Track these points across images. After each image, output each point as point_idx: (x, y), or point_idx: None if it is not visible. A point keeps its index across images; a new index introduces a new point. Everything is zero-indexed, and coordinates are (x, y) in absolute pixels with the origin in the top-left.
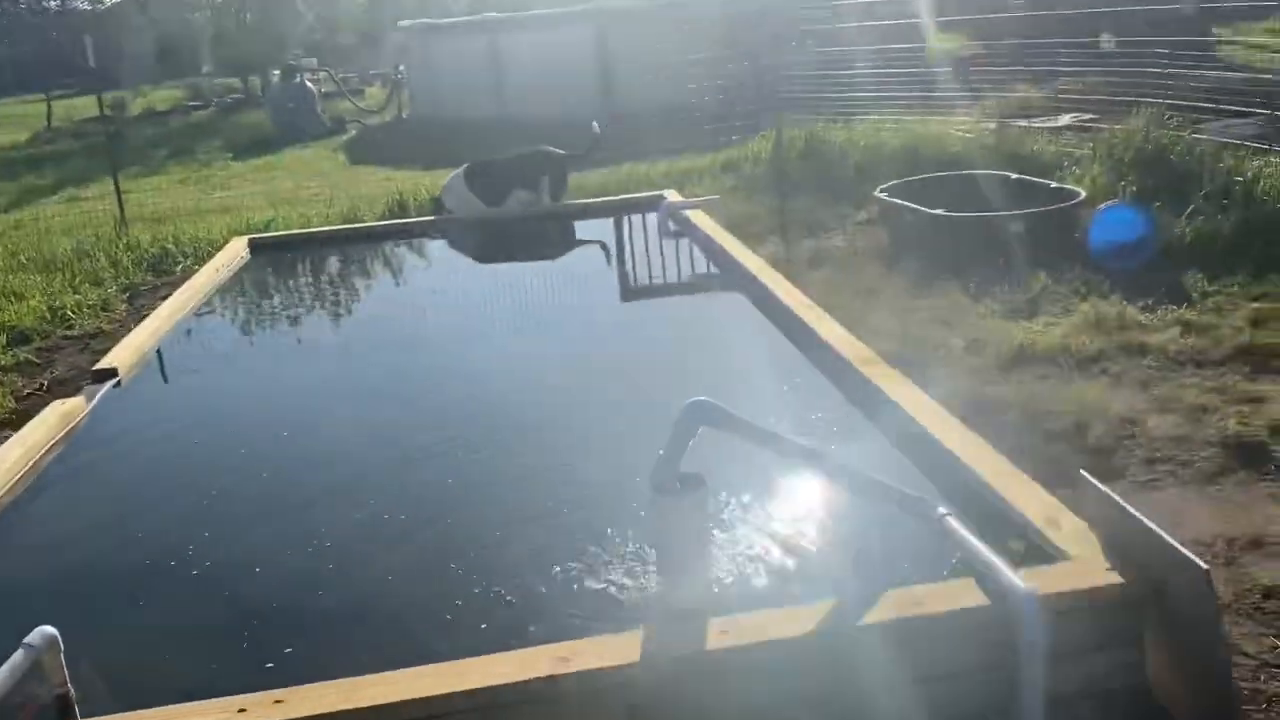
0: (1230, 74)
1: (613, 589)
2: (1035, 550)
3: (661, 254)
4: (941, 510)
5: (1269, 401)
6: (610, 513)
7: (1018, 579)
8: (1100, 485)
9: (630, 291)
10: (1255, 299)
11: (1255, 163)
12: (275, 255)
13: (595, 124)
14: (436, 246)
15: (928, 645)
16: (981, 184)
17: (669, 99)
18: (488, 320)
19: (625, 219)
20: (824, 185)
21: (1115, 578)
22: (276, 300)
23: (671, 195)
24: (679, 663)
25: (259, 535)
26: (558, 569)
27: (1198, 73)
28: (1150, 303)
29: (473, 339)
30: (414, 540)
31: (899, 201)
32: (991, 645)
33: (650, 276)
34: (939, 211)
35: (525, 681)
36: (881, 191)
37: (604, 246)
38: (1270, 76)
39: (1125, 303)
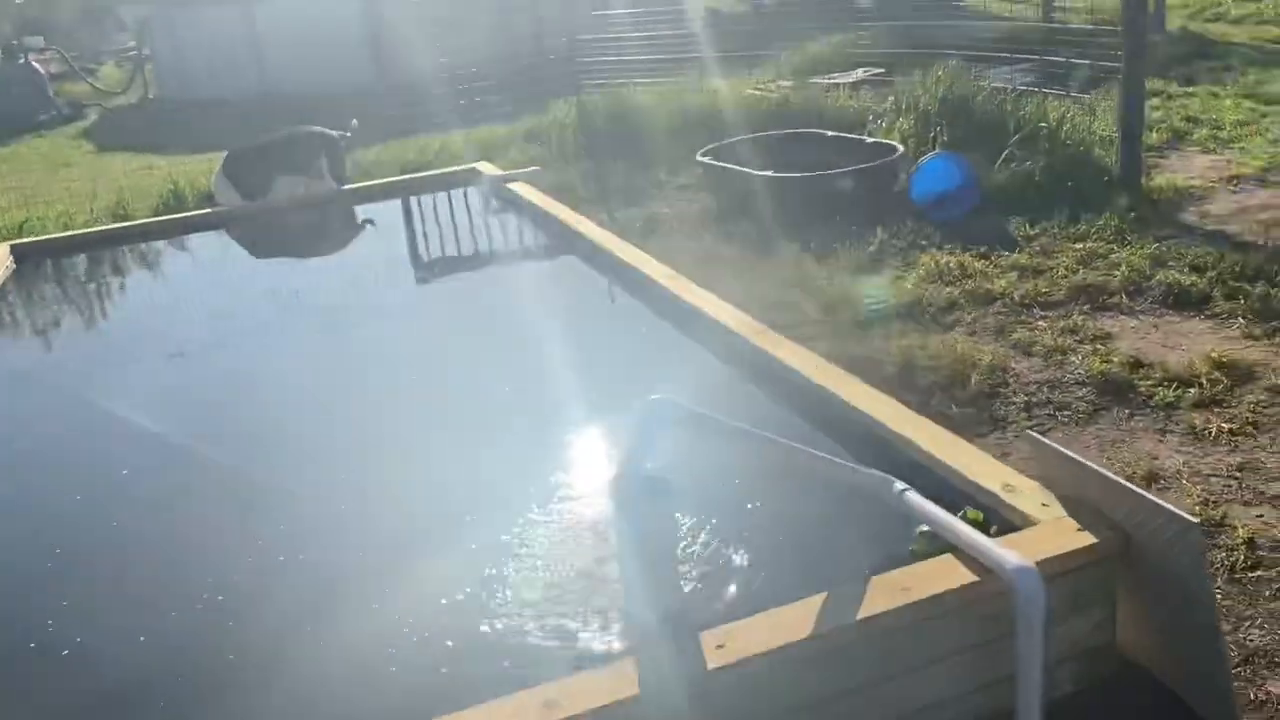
0: (979, 23)
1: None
2: (995, 516)
3: (488, 232)
4: (899, 486)
5: (1117, 338)
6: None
7: (1007, 553)
8: (1055, 445)
9: (460, 274)
10: (1075, 240)
11: (1057, 107)
12: (46, 261)
13: (354, 121)
14: (227, 241)
15: (920, 631)
16: (799, 143)
17: (450, 65)
18: (295, 319)
19: (437, 197)
20: (634, 152)
21: (1087, 538)
22: (55, 311)
23: (486, 168)
24: (680, 685)
25: None
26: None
27: (949, 24)
28: (984, 250)
29: (288, 338)
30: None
31: (725, 165)
32: (982, 621)
33: (481, 256)
34: (768, 173)
35: None
36: (704, 155)
37: (417, 228)
38: (1021, 23)
39: (962, 252)
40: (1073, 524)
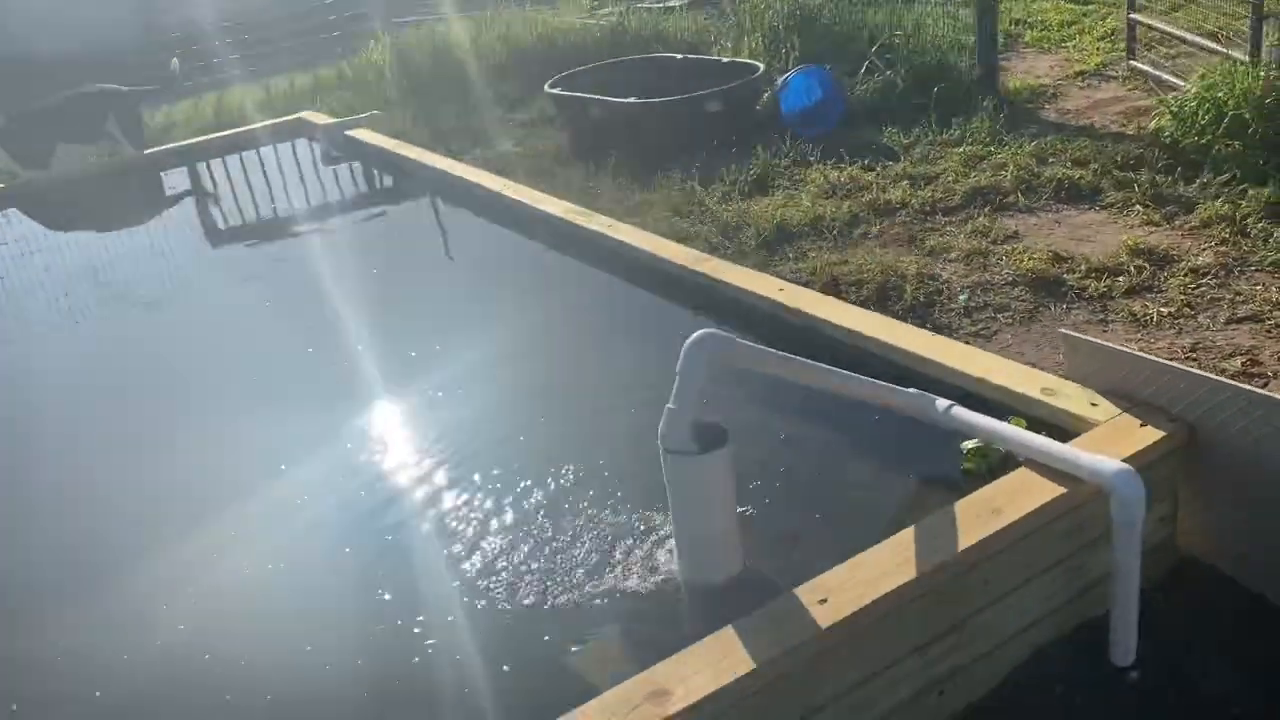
0: None
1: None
2: (1038, 424)
3: (338, 182)
4: (943, 403)
5: (1025, 236)
6: None
7: (1098, 458)
8: (1099, 340)
9: (302, 233)
10: (952, 145)
11: (909, 14)
12: None
13: (175, 61)
14: (13, 219)
15: (1016, 552)
16: (652, 69)
17: (235, 10)
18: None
19: (263, 153)
20: (464, 91)
21: (1155, 433)
22: None
23: (317, 117)
24: (795, 651)
25: None
26: None
27: None
28: (868, 162)
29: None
30: None
31: (582, 95)
32: (1068, 532)
33: (326, 210)
34: (632, 100)
35: None
36: (553, 87)
37: (245, 188)
38: None
39: (848, 166)
40: (1134, 420)
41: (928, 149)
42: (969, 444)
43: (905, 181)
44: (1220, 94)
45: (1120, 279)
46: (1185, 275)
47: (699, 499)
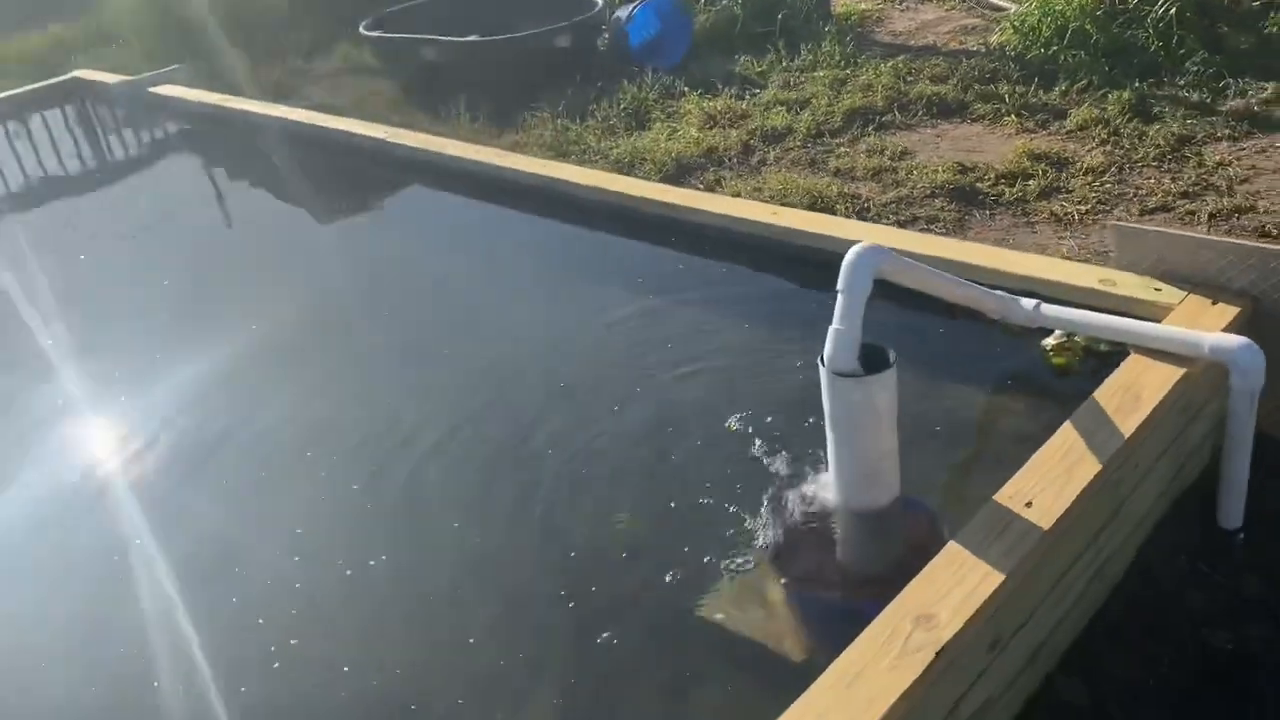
0: None
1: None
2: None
3: (137, 147)
4: (1029, 302)
5: (917, 151)
6: None
7: (1212, 336)
8: (1153, 227)
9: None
10: (809, 70)
11: None
12: None
13: None
14: None
15: (1153, 437)
16: (476, 5)
17: None
18: None
19: (31, 123)
20: (253, 39)
21: (1231, 309)
22: None
23: (101, 75)
24: (1028, 556)
25: None
26: None
27: None
28: (737, 91)
29: None
30: None
31: (412, 36)
32: (1182, 411)
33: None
34: (474, 38)
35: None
36: (370, 29)
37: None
38: None
39: (719, 95)
40: (1205, 300)
41: (788, 76)
42: (1049, 341)
43: (781, 107)
44: (1059, 7)
45: (1030, 183)
46: (1085, 175)
47: (865, 423)
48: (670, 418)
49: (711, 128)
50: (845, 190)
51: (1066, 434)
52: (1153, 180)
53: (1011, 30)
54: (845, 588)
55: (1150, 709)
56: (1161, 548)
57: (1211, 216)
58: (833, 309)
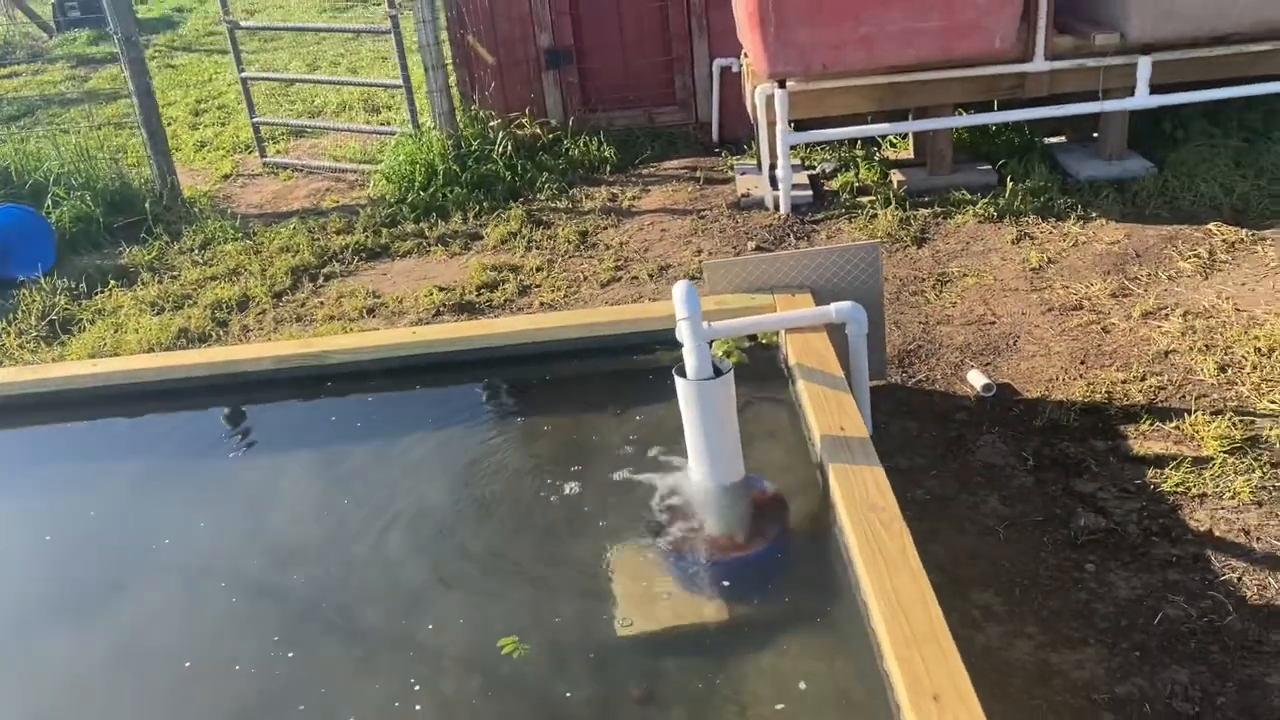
0: None
1: None
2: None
3: None
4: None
5: (383, 289)
6: None
7: (838, 304)
8: (732, 260)
9: None
10: (208, 245)
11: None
12: None
13: None
14: None
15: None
16: None
17: None
18: None
19: None
20: None
21: (807, 296)
22: None
23: None
24: None
25: None
26: None
27: None
28: (152, 278)
29: None
30: None
31: None
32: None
33: None
34: None
35: None
36: None
37: None
38: None
39: (148, 285)
40: (787, 295)
41: (189, 256)
42: (717, 349)
43: (215, 282)
44: (423, 156)
45: (507, 285)
46: (538, 272)
47: (724, 415)
48: None
49: (161, 312)
50: (366, 327)
51: (810, 389)
52: (586, 264)
53: (385, 181)
54: (713, 550)
55: None
56: None
57: (650, 276)
58: None
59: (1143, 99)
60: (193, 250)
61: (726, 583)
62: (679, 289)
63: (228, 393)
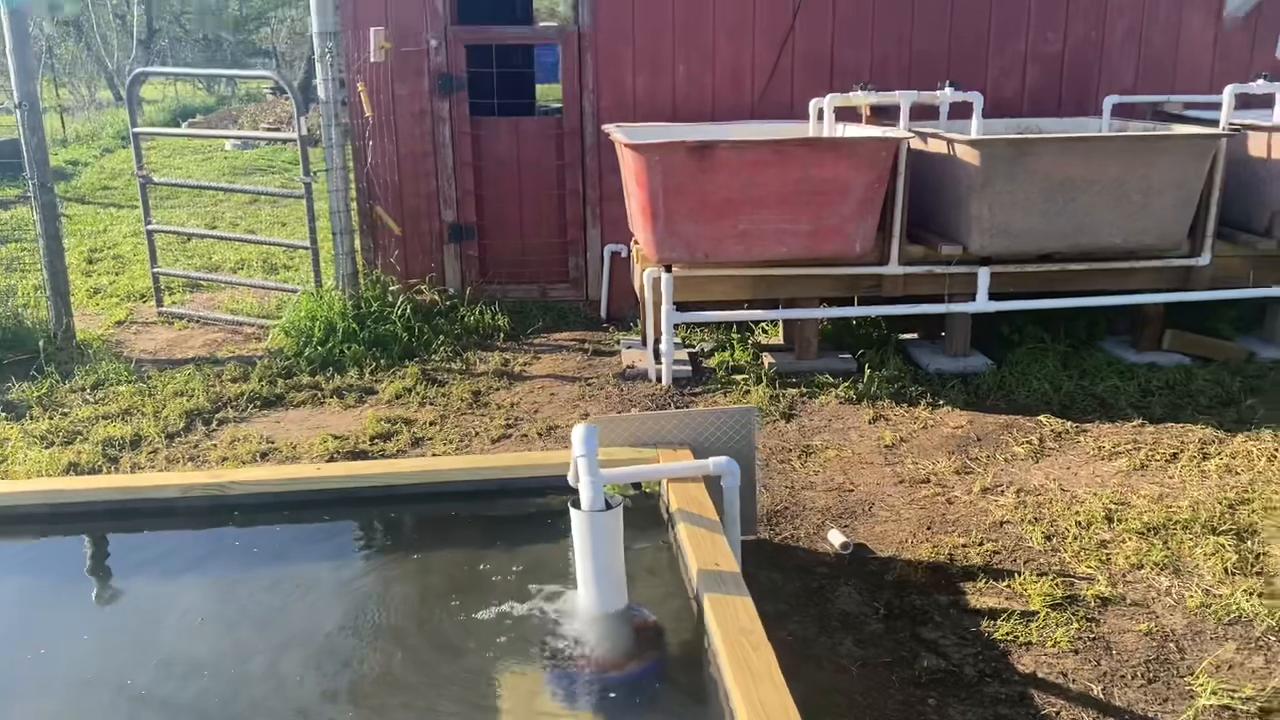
0: None
1: None
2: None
3: None
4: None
5: (275, 436)
6: None
7: (715, 459)
8: (621, 416)
9: None
10: (102, 385)
11: None
12: None
13: None
14: None
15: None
16: None
17: None
18: None
19: None
20: None
21: (686, 451)
22: None
23: None
24: None
25: None
26: None
27: None
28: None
29: None
30: None
31: None
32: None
33: None
34: None
35: None
36: None
37: None
38: None
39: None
40: (669, 449)
41: (80, 395)
42: (606, 492)
43: (105, 421)
44: (323, 313)
45: (400, 436)
46: (431, 426)
47: (613, 545)
48: None
49: (51, 446)
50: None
51: (688, 530)
52: (478, 421)
53: (283, 335)
54: (596, 669)
55: None
56: None
57: (539, 434)
58: None
59: (983, 304)
60: (84, 389)
61: (609, 698)
62: (579, 430)
63: (129, 518)
